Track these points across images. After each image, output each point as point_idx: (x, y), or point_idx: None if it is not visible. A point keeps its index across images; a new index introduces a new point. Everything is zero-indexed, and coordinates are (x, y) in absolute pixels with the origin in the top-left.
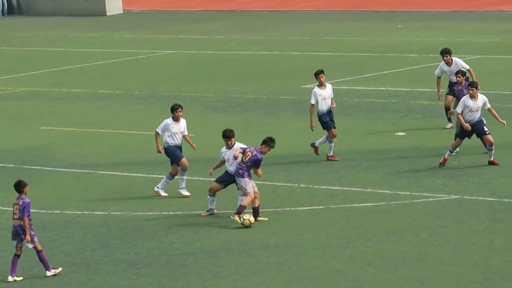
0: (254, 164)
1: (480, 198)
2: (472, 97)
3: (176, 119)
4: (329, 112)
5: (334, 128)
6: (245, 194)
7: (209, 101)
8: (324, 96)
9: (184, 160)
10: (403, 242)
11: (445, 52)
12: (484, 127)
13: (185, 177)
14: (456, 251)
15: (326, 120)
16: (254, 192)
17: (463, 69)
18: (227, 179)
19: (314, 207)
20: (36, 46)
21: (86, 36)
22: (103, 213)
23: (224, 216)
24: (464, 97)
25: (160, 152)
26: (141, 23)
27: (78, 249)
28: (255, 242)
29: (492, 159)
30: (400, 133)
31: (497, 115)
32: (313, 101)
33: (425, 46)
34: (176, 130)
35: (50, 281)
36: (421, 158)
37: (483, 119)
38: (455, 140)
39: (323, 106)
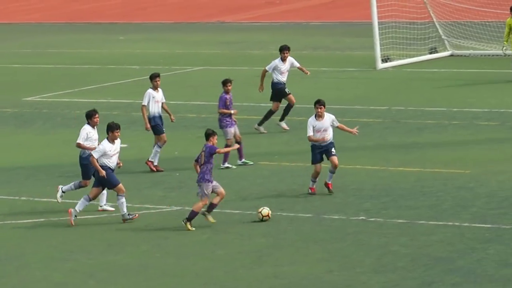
0: (210, 155)
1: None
2: (319, 116)
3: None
4: None
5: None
6: (201, 199)
7: None
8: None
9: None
10: (124, 254)
11: (286, 49)
12: (333, 148)
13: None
14: (178, 262)
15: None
16: (221, 193)
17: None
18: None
19: (35, 220)
20: None
21: None
22: None
23: None
24: (310, 119)
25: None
26: None
27: None
28: None
29: (329, 182)
30: (122, 145)
31: (346, 128)
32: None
33: (146, 58)
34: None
35: None
36: (143, 170)
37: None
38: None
39: None
